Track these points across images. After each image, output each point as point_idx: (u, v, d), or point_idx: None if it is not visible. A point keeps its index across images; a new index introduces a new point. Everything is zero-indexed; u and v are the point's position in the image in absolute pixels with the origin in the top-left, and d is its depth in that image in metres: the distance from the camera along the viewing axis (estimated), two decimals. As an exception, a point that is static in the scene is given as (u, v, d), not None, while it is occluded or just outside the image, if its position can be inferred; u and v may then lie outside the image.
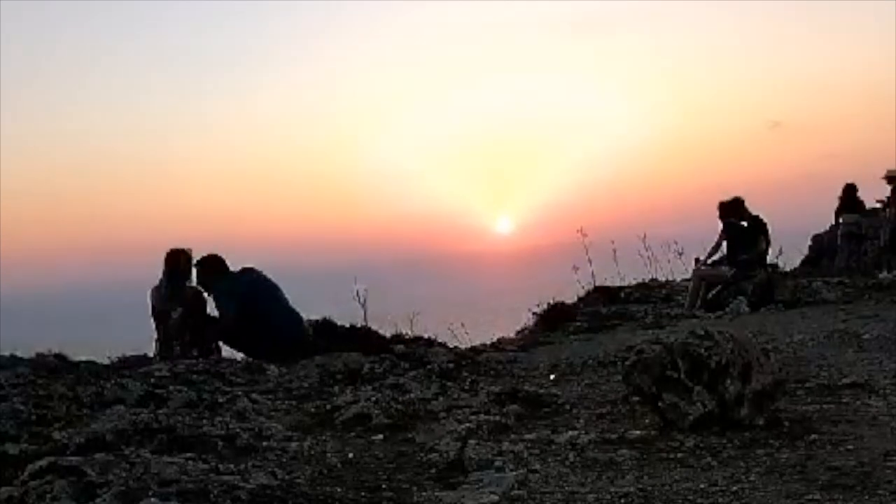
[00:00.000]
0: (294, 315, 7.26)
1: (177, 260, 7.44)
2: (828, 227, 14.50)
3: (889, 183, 12.55)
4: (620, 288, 11.68)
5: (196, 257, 7.42)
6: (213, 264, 7.34)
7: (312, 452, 3.78)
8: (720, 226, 10.39)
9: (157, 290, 7.38)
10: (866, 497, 2.84)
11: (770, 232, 10.38)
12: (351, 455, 3.73)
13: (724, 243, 10.32)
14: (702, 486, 3.04)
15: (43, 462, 3.20)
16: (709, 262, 10.41)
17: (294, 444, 3.86)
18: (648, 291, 11.53)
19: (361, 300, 9.51)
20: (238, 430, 3.96)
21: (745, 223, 10.27)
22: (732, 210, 10.34)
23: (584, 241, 12.15)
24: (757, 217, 10.32)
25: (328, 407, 4.69)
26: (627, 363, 3.99)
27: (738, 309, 9.01)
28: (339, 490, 3.16)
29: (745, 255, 9.99)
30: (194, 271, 7.35)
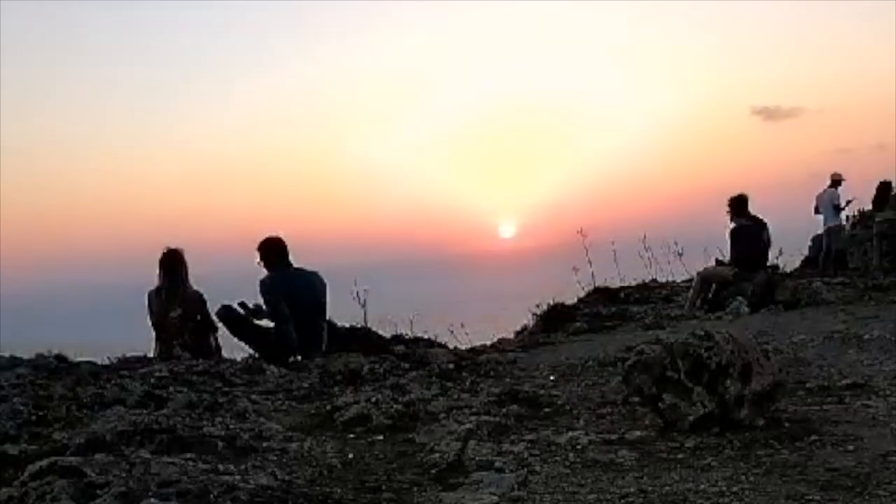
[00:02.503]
0: (318, 334, 7.17)
1: (175, 260, 7.44)
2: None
3: None
4: (620, 288, 11.71)
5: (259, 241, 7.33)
6: (270, 251, 7.28)
7: (312, 453, 3.78)
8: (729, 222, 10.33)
9: (156, 293, 7.37)
10: (866, 497, 2.84)
11: (769, 232, 10.38)
12: (351, 455, 3.74)
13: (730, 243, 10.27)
14: (702, 486, 3.04)
15: (43, 462, 3.20)
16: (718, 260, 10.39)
17: (294, 445, 3.86)
18: (648, 292, 11.55)
19: (361, 300, 9.53)
20: (238, 430, 3.96)
21: (746, 222, 10.24)
22: (738, 208, 10.28)
23: (584, 241, 12.18)
24: (756, 218, 10.33)
25: (328, 407, 4.69)
26: (627, 364, 3.99)
27: (738, 309, 9.01)
28: (339, 490, 3.16)
29: (745, 256, 10.00)
30: (257, 250, 7.30)
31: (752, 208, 10.35)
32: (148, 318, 7.37)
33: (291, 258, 7.34)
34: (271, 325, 7.17)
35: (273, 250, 7.26)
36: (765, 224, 10.30)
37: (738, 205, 10.23)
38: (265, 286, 7.09)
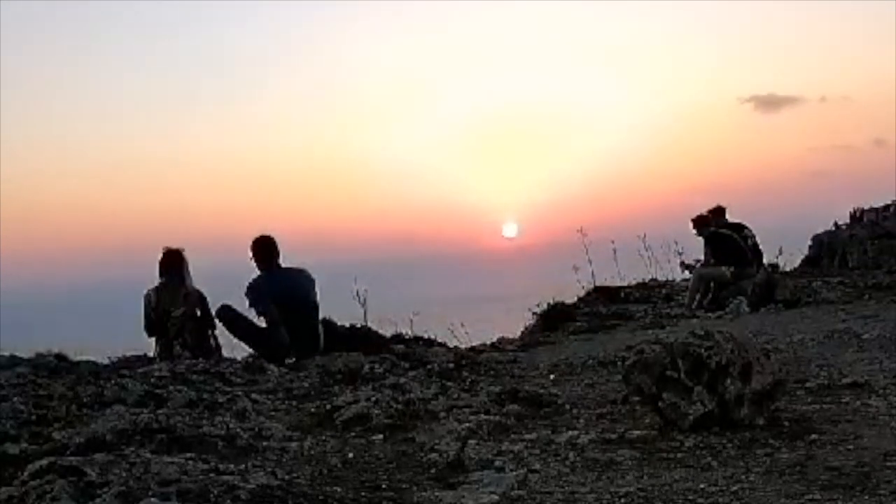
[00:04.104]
0: (312, 332, 7.16)
1: (176, 259, 7.45)
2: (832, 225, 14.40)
3: None
4: (620, 288, 11.69)
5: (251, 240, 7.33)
6: (259, 251, 7.26)
7: (312, 452, 3.78)
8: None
9: (156, 291, 7.38)
10: (866, 497, 2.84)
11: (748, 234, 10.48)
12: (351, 455, 3.74)
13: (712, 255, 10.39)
14: (702, 486, 3.04)
15: (43, 462, 3.20)
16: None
17: (294, 444, 3.86)
18: (648, 291, 11.54)
19: (361, 300, 9.51)
20: (238, 430, 3.96)
21: (725, 231, 10.38)
22: (706, 223, 10.48)
23: (584, 241, 12.16)
24: (735, 225, 10.46)
25: (328, 407, 4.69)
26: (627, 363, 3.99)
27: (738, 309, 9.01)
28: (339, 490, 3.16)
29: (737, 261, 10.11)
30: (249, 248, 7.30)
31: (753, 207, 10.48)
32: (143, 318, 7.35)
33: (284, 257, 7.32)
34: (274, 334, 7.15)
35: (261, 250, 7.25)
36: (743, 225, 10.46)
37: (715, 216, 10.52)
38: (251, 289, 7.09)
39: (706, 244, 10.36)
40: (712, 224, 10.41)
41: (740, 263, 10.03)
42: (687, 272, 10.96)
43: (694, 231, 10.52)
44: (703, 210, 10.60)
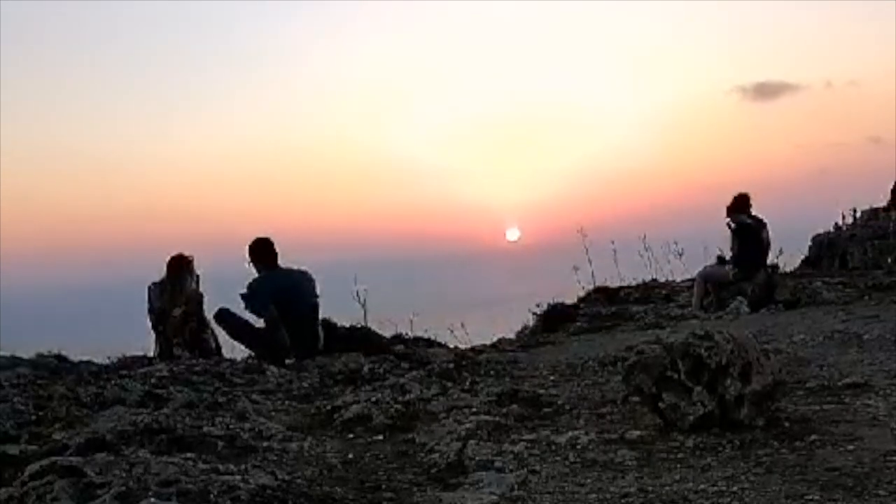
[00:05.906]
0: (312, 333, 7.17)
1: (181, 263, 7.52)
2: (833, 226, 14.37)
3: None
4: (620, 288, 11.69)
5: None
6: (258, 252, 7.27)
7: (312, 452, 3.78)
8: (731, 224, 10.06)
9: (159, 288, 7.42)
10: (866, 497, 2.84)
11: (768, 231, 10.26)
12: (351, 455, 3.74)
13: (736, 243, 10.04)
14: (702, 486, 3.04)
15: (43, 462, 3.21)
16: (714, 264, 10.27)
17: (294, 444, 3.87)
18: (648, 292, 11.54)
19: (361, 300, 9.53)
20: (238, 430, 3.97)
21: (749, 221, 10.05)
22: (740, 206, 10.04)
23: (584, 241, 12.16)
24: (756, 217, 10.24)
25: (328, 407, 4.69)
26: (627, 363, 3.99)
27: (739, 309, 9.00)
28: (339, 490, 3.16)
29: (747, 256, 9.87)
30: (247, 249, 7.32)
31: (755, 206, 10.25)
32: (147, 311, 7.42)
33: (284, 257, 7.35)
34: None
35: (259, 251, 7.26)
36: (764, 224, 10.19)
37: (741, 203, 10.06)
38: (251, 290, 7.09)
39: (735, 236, 9.96)
40: (747, 211, 9.99)
41: (756, 265, 9.82)
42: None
43: (727, 216, 9.81)
44: (724, 196, 10.08)
